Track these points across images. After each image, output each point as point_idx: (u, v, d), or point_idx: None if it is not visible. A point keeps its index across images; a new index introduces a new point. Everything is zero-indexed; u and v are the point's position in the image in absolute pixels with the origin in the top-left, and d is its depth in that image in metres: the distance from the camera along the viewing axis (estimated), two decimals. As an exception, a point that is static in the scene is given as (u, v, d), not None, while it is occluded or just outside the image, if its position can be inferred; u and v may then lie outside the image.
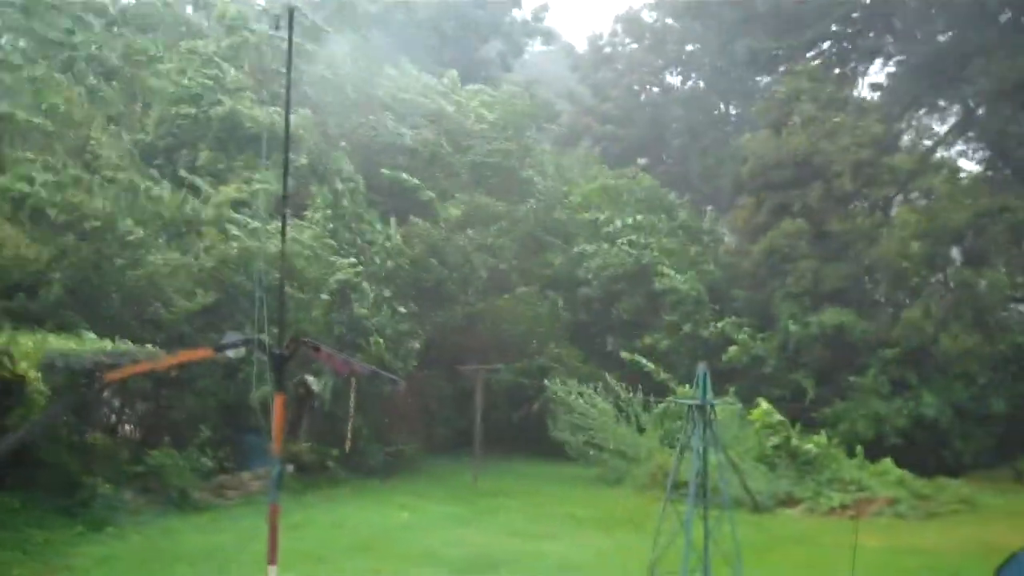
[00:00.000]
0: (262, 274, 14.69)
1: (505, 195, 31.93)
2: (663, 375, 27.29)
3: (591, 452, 26.58)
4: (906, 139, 35.02)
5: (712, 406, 17.34)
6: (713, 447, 17.85)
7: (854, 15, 36.79)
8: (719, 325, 30.59)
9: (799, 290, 30.02)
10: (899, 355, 28.71)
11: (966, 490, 23.86)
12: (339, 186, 27.74)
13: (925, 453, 27.02)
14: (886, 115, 32.97)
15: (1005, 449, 28.13)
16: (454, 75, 33.75)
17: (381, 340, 25.27)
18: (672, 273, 31.28)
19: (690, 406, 17.18)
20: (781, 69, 38.09)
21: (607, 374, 28.29)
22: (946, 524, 21.08)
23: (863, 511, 21.98)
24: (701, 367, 17.40)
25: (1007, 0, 34.81)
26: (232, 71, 28.37)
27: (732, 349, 29.60)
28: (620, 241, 32.75)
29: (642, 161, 44.99)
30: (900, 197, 32.61)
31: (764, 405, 25.50)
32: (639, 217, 33.59)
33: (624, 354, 28.14)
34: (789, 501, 23.10)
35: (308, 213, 26.19)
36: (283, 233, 14.49)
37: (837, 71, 38.23)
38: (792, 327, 29.27)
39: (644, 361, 27.77)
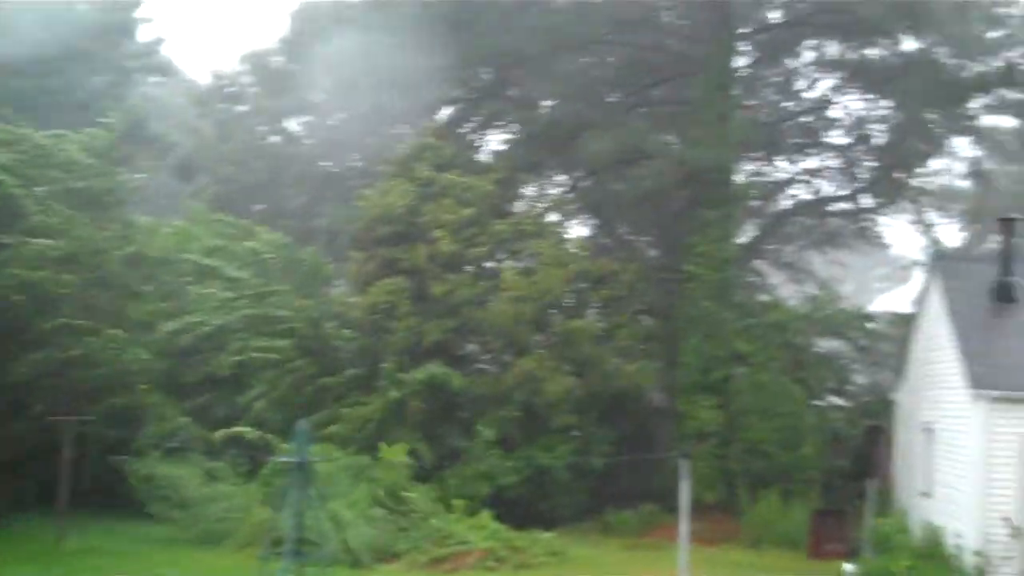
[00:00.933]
0: None
1: (106, 232, 29.83)
2: (265, 434, 26.51)
3: (186, 511, 25.15)
4: (520, 205, 36.52)
5: (310, 463, 17.15)
6: (313, 503, 17.62)
7: (474, 84, 38.26)
8: (324, 381, 29.93)
9: (402, 347, 30.05)
10: (506, 413, 29.62)
11: (557, 542, 25.18)
12: None
13: (531, 507, 28.15)
14: (502, 180, 34.18)
15: (598, 502, 29.83)
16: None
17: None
18: (262, 343, 30.25)
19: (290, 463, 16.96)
20: (406, 127, 38.79)
21: (207, 431, 27.14)
22: (534, 575, 21.98)
23: (459, 564, 22.58)
24: (300, 424, 17.23)
25: (613, 81, 37.78)
26: None
27: (345, 411, 28.97)
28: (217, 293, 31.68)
29: (260, 207, 44.04)
30: (512, 261, 33.60)
31: (380, 455, 25.80)
32: (241, 273, 32.62)
33: (219, 433, 26.92)
34: (390, 556, 23.17)
35: None
36: None
37: (462, 132, 39.51)
38: (388, 393, 29.14)
39: (241, 428, 26.70)
